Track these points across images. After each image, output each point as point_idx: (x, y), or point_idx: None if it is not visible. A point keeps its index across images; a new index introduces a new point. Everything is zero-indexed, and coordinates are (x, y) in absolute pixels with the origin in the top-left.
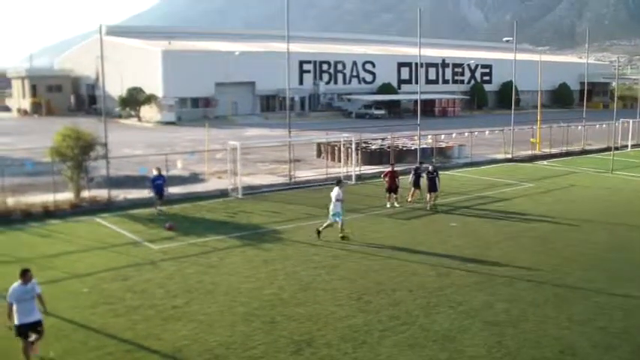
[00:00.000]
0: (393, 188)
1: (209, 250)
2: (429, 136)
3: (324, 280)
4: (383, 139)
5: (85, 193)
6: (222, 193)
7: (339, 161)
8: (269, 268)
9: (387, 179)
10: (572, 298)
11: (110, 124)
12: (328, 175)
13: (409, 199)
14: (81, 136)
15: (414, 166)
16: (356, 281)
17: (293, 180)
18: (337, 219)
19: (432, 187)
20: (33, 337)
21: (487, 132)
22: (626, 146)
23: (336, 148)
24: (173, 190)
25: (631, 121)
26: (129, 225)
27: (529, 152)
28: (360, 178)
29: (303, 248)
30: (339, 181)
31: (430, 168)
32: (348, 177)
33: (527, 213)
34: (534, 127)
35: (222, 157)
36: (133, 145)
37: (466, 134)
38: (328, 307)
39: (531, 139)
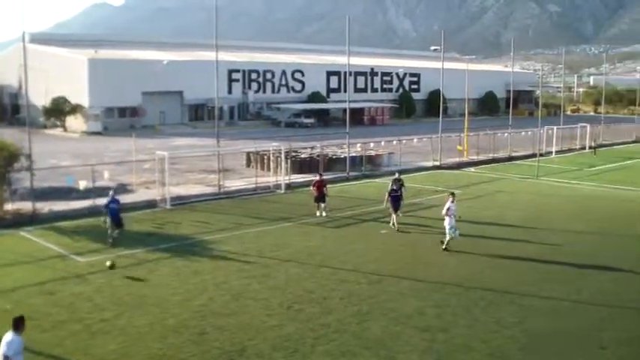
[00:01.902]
0: (320, 197)
1: (137, 262)
2: (358, 145)
3: (254, 290)
4: (312, 148)
5: (9, 206)
6: (151, 204)
7: (269, 170)
8: (199, 278)
9: (315, 189)
10: (501, 302)
11: (34, 134)
12: (258, 185)
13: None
14: (3, 146)
15: (391, 187)
16: (287, 290)
17: (222, 190)
18: (453, 232)
19: (396, 206)
20: None
21: (415, 140)
22: (551, 152)
23: (266, 157)
24: (101, 201)
25: (555, 128)
26: (55, 238)
27: (457, 159)
28: (289, 187)
29: (233, 258)
30: (452, 194)
31: (395, 186)
32: (278, 186)
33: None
34: (462, 134)
35: (150, 167)
36: (59, 155)
37: (395, 142)
38: (259, 317)
39: (458, 147)
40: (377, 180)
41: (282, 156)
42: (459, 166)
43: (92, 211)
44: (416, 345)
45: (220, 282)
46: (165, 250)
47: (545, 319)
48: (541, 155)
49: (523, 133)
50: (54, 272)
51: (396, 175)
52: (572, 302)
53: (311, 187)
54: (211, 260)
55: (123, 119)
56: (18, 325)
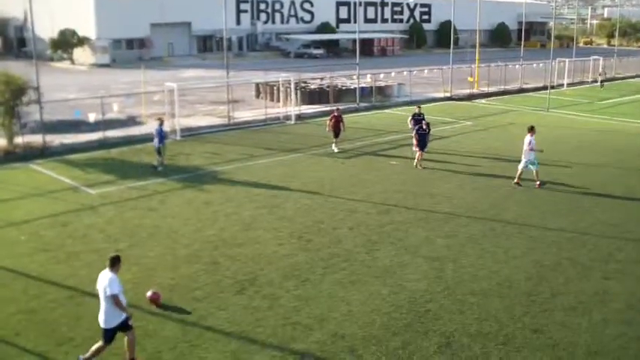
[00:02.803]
0: (337, 132)
1: (149, 194)
2: (368, 76)
3: (265, 220)
4: (322, 79)
5: (19, 139)
6: None
7: (278, 101)
8: (210, 209)
9: (331, 123)
10: (509, 233)
11: (42, 67)
12: (267, 116)
13: (418, 165)
14: (11, 80)
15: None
16: (297, 220)
17: (232, 121)
18: (533, 167)
19: (423, 143)
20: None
21: (426, 71)
22: (562, 85)
23: (275, 88)
24: (111, 133)
25: (567, 60)
26: (66, 170)
27: (467, 91)
28: (299, 117)
29: (244, 189)
30: (531, 128)
31: (424, 122)
32: (287, 117)
33: (465, 151)
34: (473, 66)
35: (159, 99)
36: (67, 88)
37: (405, 73)
38: (270, 247)
39: (469, 78)
40: (387, 111)
41: (292, 87)
42: (470, 97)
43: (102, 144)
44: (424, 274)
45: (231, 212)
46: (176, 181)
47: (551, 250)
48: (552, 88)
49: (534, 65)
50: (66, 204)
51: (417, 110)
52: (578, 234)
53: (327, 121)
54: (222, 191)
55: (131, 51)
56: (114, 263)
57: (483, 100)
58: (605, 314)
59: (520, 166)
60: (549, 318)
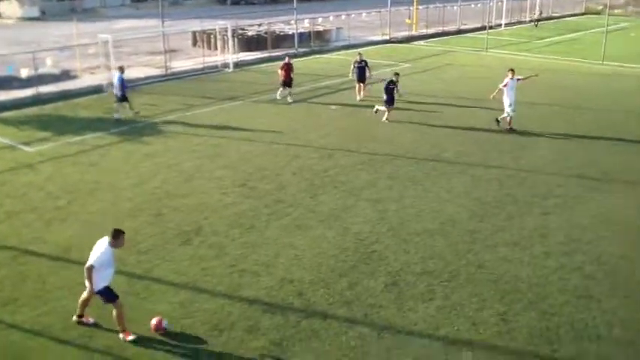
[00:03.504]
0: (288, 81)
1: (88, 149)
2: (306, 21)
3: (207, 170)
4: (259, 26)
5: None
6: (97, 89)
7: (216, 49)
8: (151, 161)
9: (282, 72)
10: (451, 173)
11: None
12: (205, 64)
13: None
14: None
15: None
16: (239, 168)
17: (169, 71)
18: (511, 110)
19: (390, 100)
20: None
21: (364, 14)
22: (500, 25)
23: (212, 36)
24: (45, 89)
25: (505, 0)
26: None
27: (406, 33)
28: (237, 65)
29: (184, 139)
30: (511, 70)
31: (394, 78)
32: (226, 65)
33: (406, 93)
34: (411, 8)
35: (94, 52)
36: None
37: (343, 17)
38: (214, 196)
39: (407, 20)
40: (326, 55)
41: (229, 34)
42: (409, 39)
43: (36, 100)
44: (369, 216)
45: (173, 164)
46: (116, 135)
47: (493, 187)
48: (490, 28)
49: (472, 5)
50: (3, 163)
51: (358, 58)
52: (518, 171)
53: (279, 70)
54: (162, 142)
55: (62, 3)
56: (113, 236)
57: (422, 42)
58: (546, 248)
59: (506, 111)
60: (492, 254)
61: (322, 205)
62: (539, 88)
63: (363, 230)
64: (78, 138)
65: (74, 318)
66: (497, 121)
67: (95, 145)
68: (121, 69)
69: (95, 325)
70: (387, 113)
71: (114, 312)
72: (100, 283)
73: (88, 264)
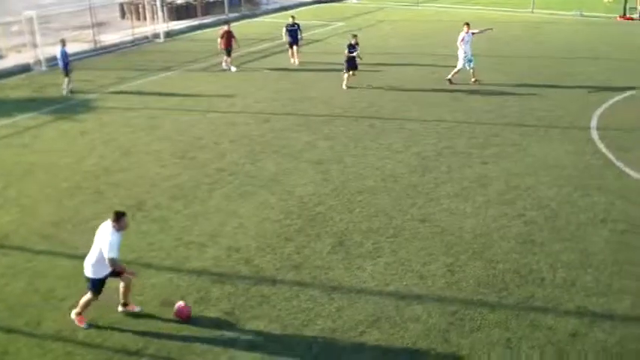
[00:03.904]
0: (228, 49)
1: (20, 130)
2: None
3: (144, 143)
4: None
5: None
6: (25, 68)
7: (145, 20)
8: (86, 138)
9: (222, 40)
10: (389, 129)
11: None
12: (135, 36)
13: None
14: None
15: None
16: (177, 139)
17: (99, 45)
18: (471, 65)
19: (352, 65)
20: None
21: None
22: None
23: (140, 6)
24: None
25: None
26: None
27: None
28: (168, 35)
29: (119, 113)
30: (467, 24)
31: (353, 40)
32: (156, 35)
33: (339, 52)
34: None
35: (18, 29)
36: None
37: None
38: (153, 169)
39: None
40: (257, 19)
41: (158, 4)
42: None
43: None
44: (311, 178)
45: (108, 139)
46: (48, 114)
47: (432, 141)
48: None
49: None
50: None
51: (291, 21)
52: (456, 123)
53: (218, 39)
54: (97, 119)
55: None
56: (115, 219)
57: (354, 0)
58: (487, 197)
59: (464, 65)
60: (435, 207)
61: (263, 170)
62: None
63: (305, 193)
64: (8, 120)
65: (119, 308)
66: (450, 80)
67: (27, 127)
68: (63, 42)
69: (140, 311)
70: (346, 79)
71: (85, 298)
72: (102, 272)
73: (108, 256)
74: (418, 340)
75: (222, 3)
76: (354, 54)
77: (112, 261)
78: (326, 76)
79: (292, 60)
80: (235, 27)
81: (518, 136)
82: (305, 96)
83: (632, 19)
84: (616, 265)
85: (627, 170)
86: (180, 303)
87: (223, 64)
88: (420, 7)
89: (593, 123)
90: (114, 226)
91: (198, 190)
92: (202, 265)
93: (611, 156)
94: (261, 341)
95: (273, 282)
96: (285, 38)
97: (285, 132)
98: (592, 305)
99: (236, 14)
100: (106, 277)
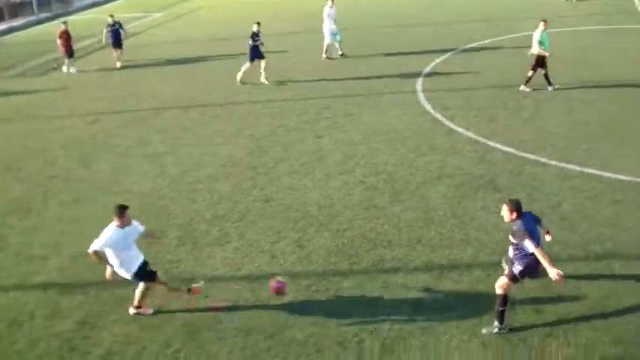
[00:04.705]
0: (70, 51)
1: None
2: None
3: None
4: None
5: None
6: None
7: None
8: None
9: (61, 41)
10: (221, 115)
11: None
12: None
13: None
14: None
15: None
16: (2, 151)
17: None
18: (337, 37)
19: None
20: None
21: None
22: None
23: None
24: None
25: None
26: None
27: None
28: None
29: None
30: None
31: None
32: None
33: (162, 42)
34: None
35: None
36: None
37: None
38: None
39: None
40: (72, 17)
41: None
42: None
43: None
44: (147, 173)
45: None
46: None
47: (264, 121)
48: None
49: None
50: None
51: (110, 20)
52: (285, 101)
53: (57, 40)
54: None
55: None
56: (116, 213)
57: None
58: (326, 169)
59: (326, 41)
60: (277, 185)
61: (98, 172)
62: (283, 15)
63: (144, 188)
64: None
65: (131, 310)
66: (342, 54)
67: None
68: None
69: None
70: (243, 71)
71: (142, 284)
72: (132, 266)
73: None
74: (279, 319)
75: (31, 4)
76: (258, 43)
77: (93, 254)
78: (151, 69)
79: (118, 64)
80: (48, 27)
81: (349, 106)
82: (132, 91)
83: None
84: (456, 217)
85: (454, 127)
86: (273, 282)
87: (64, 67)
88: None
89: (419, 86)
90: (117, 225)
91: (32, 201)
92: (48, 278)
93: (438, 116)
94: (120, 347)
95: (125, 284)
96: (106, 40)
97: (115, 130)
98: (438, 259)
99: (48, 14)
100: (140, 268)
